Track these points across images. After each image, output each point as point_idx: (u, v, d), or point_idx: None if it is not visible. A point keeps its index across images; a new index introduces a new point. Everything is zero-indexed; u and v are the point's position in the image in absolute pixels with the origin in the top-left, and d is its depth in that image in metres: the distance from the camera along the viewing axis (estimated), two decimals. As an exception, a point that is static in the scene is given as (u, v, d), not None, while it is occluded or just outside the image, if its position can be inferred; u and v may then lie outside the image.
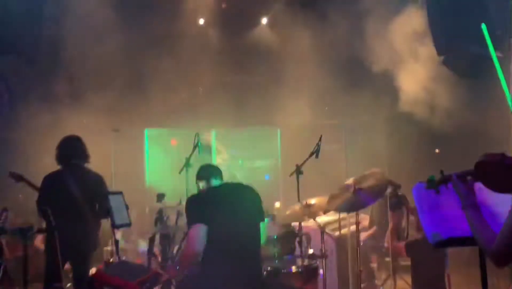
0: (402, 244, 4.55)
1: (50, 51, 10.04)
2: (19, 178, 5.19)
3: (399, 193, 5.35)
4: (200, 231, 3.18)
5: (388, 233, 4.92)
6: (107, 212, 4.24)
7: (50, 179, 4.45)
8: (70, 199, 4.25)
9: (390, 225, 4.88)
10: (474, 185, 2.23)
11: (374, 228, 6.04)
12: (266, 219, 3.56)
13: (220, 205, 3.25)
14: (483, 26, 2.77)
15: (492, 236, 2.06)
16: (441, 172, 2.36)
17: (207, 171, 3.53)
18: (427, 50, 7.82)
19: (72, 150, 4.50)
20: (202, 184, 3.51)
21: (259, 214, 3.41)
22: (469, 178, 2.24)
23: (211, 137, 9.83)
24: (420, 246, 4.25)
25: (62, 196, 4.25)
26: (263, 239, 3.44)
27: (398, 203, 5.14)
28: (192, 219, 3.26)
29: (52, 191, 4.34)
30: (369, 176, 5.14)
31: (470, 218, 2.17)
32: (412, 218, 4.89)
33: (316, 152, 4.76)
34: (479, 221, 2.14)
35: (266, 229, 3.49)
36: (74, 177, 4.35)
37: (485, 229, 2.11)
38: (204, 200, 3.32)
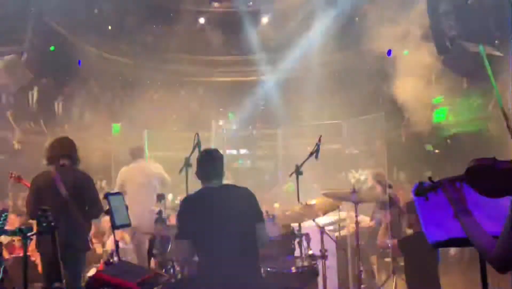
0: (394, 242, 4.57)
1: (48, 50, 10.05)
2: (18, 179, 5.21)
3: (390, 192, 5.35)
4: (183, 247, 3.24)
5: (380, 232, 4.93)
6: (104, 212, 4.23)
7: (39, 179, 4.44)
8: (59, 199, 4.23)
9: (384, 224, 4.89)
10: (464, 190, 2.18)
11: (373, 222, 6.04)
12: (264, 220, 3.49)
13: (213, 208, 3.21)
14: (481, 48, 2.72)
15: (490, 241, 2.02)
16: (429, 178, 2.31)
17: (203, 172, 3.42)
18: (427, 50, 7.83)
19: (61, 151, 4.49)
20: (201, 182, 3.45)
21: (256, 215, 3.35)
22: (458, 183, 2.19)
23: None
24: (412, 243, 4.27)
25: (51, 196, 4.24)
26: (264, 239, 3.38)
27: (389, 202, 5.15)
28: (178, 232, 3.25)
29: (42, 192, 4.33)
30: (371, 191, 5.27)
31: (464, 225, 2.12)
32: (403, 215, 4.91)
33: (315, 152, 4.74)
34: (474, 227, 2.09)
35: (265, 230, 3.43)
36: (63, 177, 4.34)
37: (482, 235, 2.06)
38: (197, 205, 3.27)
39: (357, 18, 9.86)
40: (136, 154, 6.65)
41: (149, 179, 6.37)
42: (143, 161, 6.70)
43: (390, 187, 5.62)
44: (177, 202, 6.07)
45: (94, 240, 7.54)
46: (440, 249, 4.37)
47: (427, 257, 4.19)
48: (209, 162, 3.43)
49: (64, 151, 4.48)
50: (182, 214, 3.28)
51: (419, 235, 4.18)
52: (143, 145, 7.07)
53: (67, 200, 4.25)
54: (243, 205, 3.29)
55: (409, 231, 4.77)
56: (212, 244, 3.14)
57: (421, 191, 2.33)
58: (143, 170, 6.48)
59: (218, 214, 3.18)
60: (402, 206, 5.22)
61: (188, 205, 3.32)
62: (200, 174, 3.41)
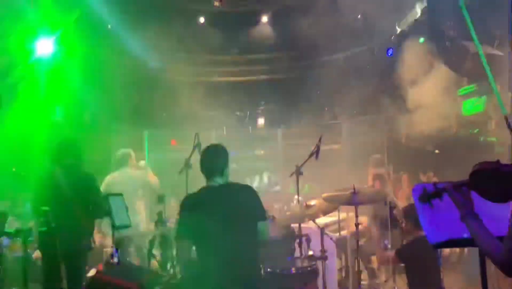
0: (391, 253, 4.52)
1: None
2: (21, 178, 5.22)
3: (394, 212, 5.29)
4: (183, 248, 3.23)
5: (376, 246, 4.91)
6: (105, 213, 4.24)
7: (44, 179, 4.45)
8: (62, 198, 4.24)
9: (376, 236, 4.87)
10: (470, 193, 2.14)
11: (366, 222, 6.03)
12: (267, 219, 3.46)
13: (213, 208, 3.18)
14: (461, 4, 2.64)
15: (498, 245, 1.99)
16: (434, 184, 2.26)
17: (209, 168, 3.33)
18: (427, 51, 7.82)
19: (65, 151, 4.51)
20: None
21: (258, 213, 3.29)
22: (464, 187, 2.15)
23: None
24: (410, 250, 4.24)
25: (55, 197, 4.25)
26: (264, 238, 3.35)
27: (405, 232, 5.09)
28: (178, 232, 3.24)
29: (46, 192, 4.34)
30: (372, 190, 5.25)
31: (471, 228, 2.09)
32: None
33: (316, 153, 4.74)
34: (481, 230, 2.06)
35: (267, 228, 3.41)
36: (67, 178, 4.34)
37: (489, 238, 2.03)
38: (197, 204, 3.25)
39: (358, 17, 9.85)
40: (120, 161, 6.44)
41: (131, 188, 6.14)
42: (127, 168, 6.42)
43: (394, 207, 5.51)
44: None
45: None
46: (440, 251, 4.35)
47: (428, 262, 4.17)
48: (213, 157, 3.37)
49: (68, 152, 4.50)
50: (183, 214, 3.26)
51: (417, 241, 4.17)
52: (128, 151, 6.59)
53: (70, 199, 4.26)
54: (245, 204, 3.24)
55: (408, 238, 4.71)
56: (212, 244, 3.13)
57: (425, 197, 2.29)
58: (125, 179, 6.26)
59: (219, 213, 3.15)
60: (396, 212, 5.16)
61: (189, 204, 3.29)
62: (203, 170, 3.35)
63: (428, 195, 2.28)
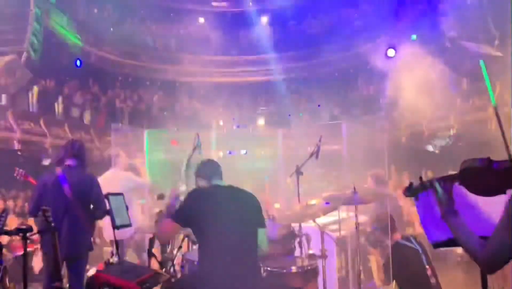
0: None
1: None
2: (24, 176, 5.21)
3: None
4: (172, 226, 3.26)
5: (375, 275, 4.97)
6: (106, 213, 4.24)
7: (45, 178, 4.45)
8: (63, 199, 4.24)
9: (374, 264, 4.92)
10: (453, 190, 2.16)
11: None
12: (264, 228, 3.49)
13: (220, 205, 3.22)
14: (482, 63, 2.70)
15: (478, 242, 2.01)
16: (420, 178, 2.29)
17: (210, 170, 3.53)
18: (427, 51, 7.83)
19: (69, 152, 4.50)
20: (202, 182, 3.49)
21: (258, 220, 3.37)
22: (447, 184, 2.17)
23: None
24: (401, 272, 4.32)
25: (56, 196, 4.25)
26: (264, 245, 3.39)
27: (375, 240, 5.13)
28: (176, 215, 3.27)
29: (47, 191, 4.33)
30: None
31: (452, 225, 2.11)
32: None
33: (316, 153, 4.75)
34: (462, 229, 2.09)
35: (266, 236, 3.44)
36: (68, 178, 4.34)
37: (470, 236, 2.05)
38: (205, 199, 3.29)
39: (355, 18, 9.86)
40: (113, 161, 6.33)
41: (116, 188, 5.66)
42: (116, 169, 6.30)
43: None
44: None
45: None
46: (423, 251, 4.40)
47: (411, 264, 4.25)
48: (210, 162, 3.62)
49: (71, 152, 4.50)
50: (188, 203, 3.28)
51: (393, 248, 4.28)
52: (116, 151, 6.51)
53: (72, 200, 4.25)
54: (249, 207, 3.34)
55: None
56: (214, 242, 3.15)
57: (410, 192, 2.32)
58: (114, 181, 6.06)
59: (224, 212, 3.20)
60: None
61: (196, 196, 3.32)
62: (203, 172, 3.50)
63: (413, 190, 2.31)
